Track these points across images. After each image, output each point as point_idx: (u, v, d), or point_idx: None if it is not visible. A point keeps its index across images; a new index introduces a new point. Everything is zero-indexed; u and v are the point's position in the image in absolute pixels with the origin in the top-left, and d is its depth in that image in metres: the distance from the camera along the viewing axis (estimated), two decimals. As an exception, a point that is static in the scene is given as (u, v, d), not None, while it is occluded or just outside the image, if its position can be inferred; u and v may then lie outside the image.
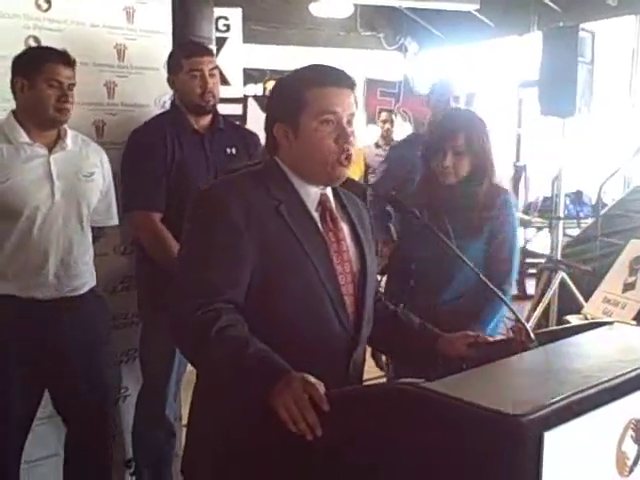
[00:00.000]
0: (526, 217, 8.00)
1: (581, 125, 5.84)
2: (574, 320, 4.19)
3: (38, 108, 2.77)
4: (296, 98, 1.89)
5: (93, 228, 3.01)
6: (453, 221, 2.75)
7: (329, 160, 1.90)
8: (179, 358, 3.21)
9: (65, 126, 2.88)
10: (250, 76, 8.17)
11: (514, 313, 2.07)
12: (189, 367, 2.74)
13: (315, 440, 1.59)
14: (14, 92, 2.80)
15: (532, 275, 7.24)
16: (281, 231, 1.87)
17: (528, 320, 4.91)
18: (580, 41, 5.03)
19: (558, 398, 1.42)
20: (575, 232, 6.90)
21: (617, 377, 1.55)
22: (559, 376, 1.62)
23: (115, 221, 3.15)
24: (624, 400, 1.54)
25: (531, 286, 7.12)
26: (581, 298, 4.93)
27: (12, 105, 2.84)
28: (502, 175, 4.03)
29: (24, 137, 2.79)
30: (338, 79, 1.92)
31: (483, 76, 8.85)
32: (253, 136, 3.42)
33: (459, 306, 2.81)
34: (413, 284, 2.85)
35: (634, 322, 3.51)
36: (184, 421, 2.43)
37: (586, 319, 3.97)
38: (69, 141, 2.89)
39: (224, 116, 3.39)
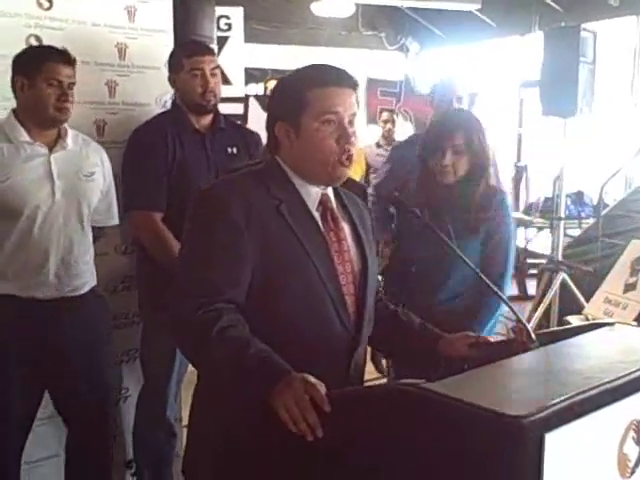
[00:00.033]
0: (527, 217, 8.00)
1: (582, 125, 5.84)
2: (575, 321, 4.19)
3: (38, 107, 2.77)
4: (298, 98, 1.88)
5: (93, 228, 3.01)
6: (451, 221, 2.76)
7: (330, 160, 1.89)
8: (180, 358, 3.20)
9: (65, 125, 2.88)
10: (251, 75, 8.16)
11: (515, 314, 2.06)
12: (190, 367, 2.74)
13: (316, 440, 1.58)
14: (14, 91, 2.80)
15: (533, 276, 7.24)
16: (282, 231, 1.86)
17: (529, 321, 4.91)
18: (582, 41, 5.03)
19: (559, 399, 1.42)
20: (576, 232, 6.90)
21: (618, 378, 1.55)
22: (560, 377, 1.62)
23: (115, 221, 3.15)
24: (625, 401, 1.54)
25: (532, 287, 7.12)
26: (582, 299, 4.93)
27: (13, 104, 2.84)
28: (503, 175, 4.03)
29: (24, 136, 2.79)
30: (340, 79, 1.91)
31: (484, 76, 8.84)
32: (254, 136, 3.42)
33: (455, 306, 2.82)
34: (412, 284, 2.86)
35: (635, 323, 3.51)
36: (185, 422, 2.42)
37: (587, 320, 3.97)
38: (69, 140, 2.89)
39: (225, 115, 3.39)
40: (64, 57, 2.79)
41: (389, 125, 8.05)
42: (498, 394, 1.54)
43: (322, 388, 1.62)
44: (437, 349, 2.06)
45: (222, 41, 5.45)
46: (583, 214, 7.67)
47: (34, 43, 3.04)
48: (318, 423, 1.58)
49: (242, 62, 5.77)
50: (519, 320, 2.01)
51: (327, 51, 9.22)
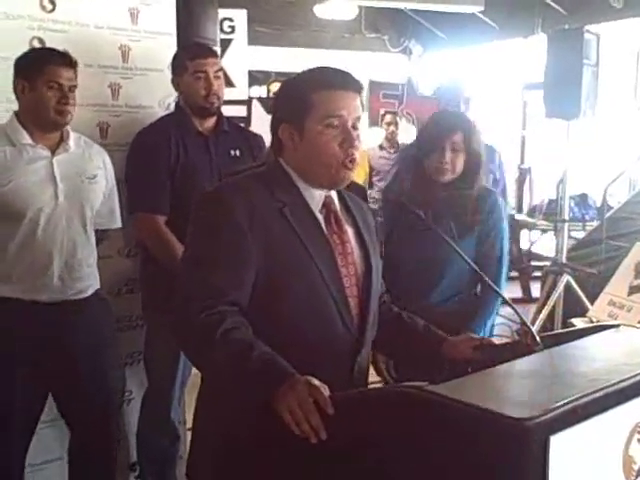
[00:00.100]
0: (531, 220, 8.00)
1: (586, 127, 5.84)
2: (579, 323, 4.17)
3: (39, 110, 2.77)
4: (302, 100, 1.88)
5: (96, 230, 3.00)
6: (451, 221, 2.78)
7: (333, 163, 1.89)
8: (184, 361, 3.20)
9: (68, 128, 2.87)
10: (255, 78, 8.17)
11: (519, 316, 2.06)
12: (194, 370, 2.73)
13: (319, 442, 1.58)
14: (16, 94, 2.80)
15: (537, 278, 7.24)
16: (285, 233, 1.86)
17: (533, 323, 4.91)
18: (585, 43, 5.03)
19: (564, 402, 1.42)
20: (580, 235, 6.90)
21: (623, 380, 1.54)
22: (565, 379, 1.61)
23: (118, 224, 3.14)
24: (630, 404, 1.54)
25: (536, 289, 7.11)
26: (586, 301, 4.93)
27: (16, 106, 2.83)
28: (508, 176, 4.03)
29: (27, 139, 2.79)
30: (345, 82, 1.91)
31: (488, 78, 8.85)
32: (257, 138, 3.42)
33: (450, 308, 2.83)
34: (403, 286, 2.85)
35: (640, 325, 3.50)
36: (189, 424, 2.42)
37: (591, 322, 3.95)
38: (72, 143, 2.89)
39: (228, 118, 3.39)
40: (65, 60, 2.79)
41: (392, 127, 8.05)
42: (502, 396, 1.53)
43: (325, 390, 1.62)
44: (441, 351, 2.05)
45: (225, 43, 5.44)
46: (587, 216, 7.66)
47: (37, 45, 3.04)
48: (321, 425, 1.58)
49: (245, 64, 5.76)
50: (523, 322, 2.00)
51: (330, 53, 9.24)
